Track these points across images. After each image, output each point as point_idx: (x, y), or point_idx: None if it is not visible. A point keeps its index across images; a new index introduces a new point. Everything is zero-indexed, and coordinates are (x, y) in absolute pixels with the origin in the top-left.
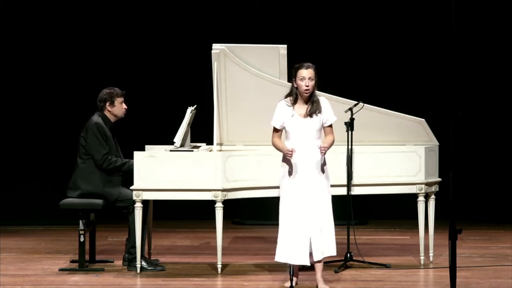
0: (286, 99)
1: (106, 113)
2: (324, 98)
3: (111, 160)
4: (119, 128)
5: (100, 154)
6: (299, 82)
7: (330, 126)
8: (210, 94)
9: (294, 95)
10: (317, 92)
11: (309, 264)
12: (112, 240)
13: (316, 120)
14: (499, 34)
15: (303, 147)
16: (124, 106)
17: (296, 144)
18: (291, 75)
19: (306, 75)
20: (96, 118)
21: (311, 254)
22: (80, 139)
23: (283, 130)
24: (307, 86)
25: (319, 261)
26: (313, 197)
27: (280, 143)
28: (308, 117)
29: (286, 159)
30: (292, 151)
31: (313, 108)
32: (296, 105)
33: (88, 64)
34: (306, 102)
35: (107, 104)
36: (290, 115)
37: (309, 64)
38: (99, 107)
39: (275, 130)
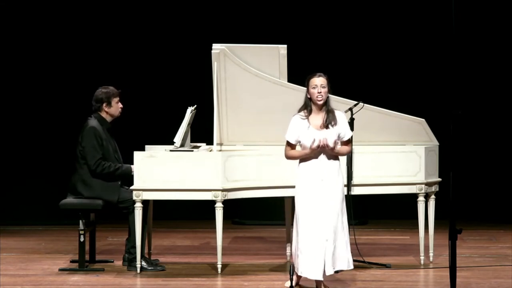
0: (300, 113)
1: (103, 114)
2: (340, 112)
3: (104, 165)
4: (118, 128)
5: (94, 159)
6: (311, 90)
7: (348, 140)
8: (210, 94)
9: (309, 107)
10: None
11: (322, 279)
12: (112, 240)
13: (332, 131)
14: (499, 34)
15: (320, 159)
16: (120, 105)
17: (313, 157)
18: (292, 75)
19: (318, 82)
20: (91, 122)
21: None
22: (77, 145)
23: (298, 144)
24: (320, 92)
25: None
26: (329, 211)
27: (297, 152)
28: (324, 129)
29: (302, 170)
30: (314, 144)
31: (329, 119)
32: (311, 117)
33: (89, 64)
34: (321, 114)
35: (104, 105)
36: (305, 128)
37: (321, 73)
38: (95, 108)
39: (289, 144)
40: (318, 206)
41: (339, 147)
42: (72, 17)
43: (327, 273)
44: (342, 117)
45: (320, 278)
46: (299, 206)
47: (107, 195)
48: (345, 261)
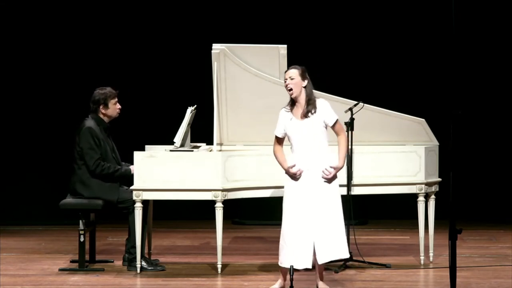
0: (286, 107)
1: (100, 115)
2: (322, 100)
3: (104, 166)
4: (119, 128)
5: (92, 159)
6: (285, 84)
7: (335, 124)
8: (210, 94)
9: (293, 101)
10: (316, 93)
11: (311, 267)
12: (112, 240)
13: (313, 120)
14: (499, 34)
15: (304, 149)
16: (118, 106)
17: (298, 147)
18: None
19: (287, 75)
20: (88, 122)
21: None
22: (75, 146)
23: (287, 139)
24: (288, 84)
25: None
26: (317, 201)
27: (280, 156)
28: (305, 118)
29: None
30: (292, 169)
31: (308, 108)
32: (294, 109)
33: (89, 64)
34: (302, 104)
35: (101, 106)
36: (289, 119)
37: (295, 66)
38: (92, 109)
39: (277, 138)
40: (304, 196)
41: (336, 159)
42: (71, 17)
43: (320, 261)
44: (323, 104)
45: (309, 266)
46: (285, 197)
47: (106, 195)
48: (345, 249)
